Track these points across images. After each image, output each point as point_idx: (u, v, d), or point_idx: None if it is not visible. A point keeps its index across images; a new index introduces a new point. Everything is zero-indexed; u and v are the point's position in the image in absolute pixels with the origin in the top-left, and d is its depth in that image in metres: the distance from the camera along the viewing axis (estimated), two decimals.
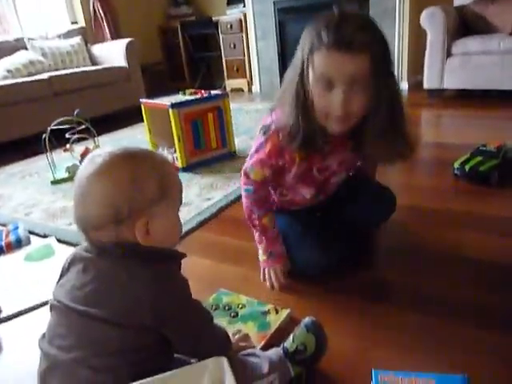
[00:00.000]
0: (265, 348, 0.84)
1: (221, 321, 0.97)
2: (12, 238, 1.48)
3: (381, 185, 1.24)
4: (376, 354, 0.86)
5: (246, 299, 1.05)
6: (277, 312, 0.99)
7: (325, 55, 0.83)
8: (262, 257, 1.15)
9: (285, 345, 0.80)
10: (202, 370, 0.58)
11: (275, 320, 0.97)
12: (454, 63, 2.94)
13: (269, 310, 1.00)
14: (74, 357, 0.61)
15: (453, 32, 2.94)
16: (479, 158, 1.63)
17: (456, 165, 1.66)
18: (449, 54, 2.96)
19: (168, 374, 0.57)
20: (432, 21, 2.90)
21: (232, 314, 1.00)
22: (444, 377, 0.69)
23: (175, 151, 2.12)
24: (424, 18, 2.95)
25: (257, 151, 1.04)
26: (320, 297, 1.06)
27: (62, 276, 0.71)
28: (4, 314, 1.11)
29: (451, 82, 3.00)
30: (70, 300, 0.65)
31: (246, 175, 1.08)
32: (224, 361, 0.58)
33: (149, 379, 0.56)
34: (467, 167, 1.61)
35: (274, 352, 0.79)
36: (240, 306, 1.03)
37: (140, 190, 0.64)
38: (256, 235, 1.16)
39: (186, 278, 0.69)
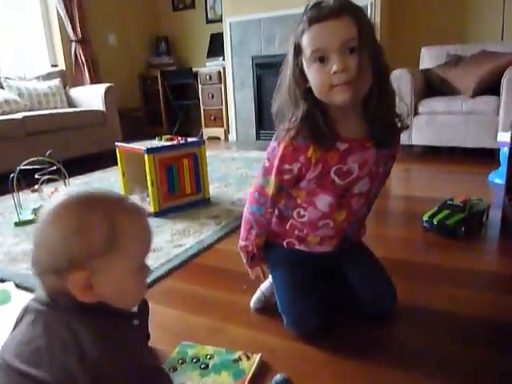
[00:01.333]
0: None
1: (191, 375, 0.92)
2: None
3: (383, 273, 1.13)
4: None
5: (212, 349, 1.01)
6: (248, 358, 0.96)
7: (310, 32, 0.86)
8: (245, 260, 1.17)
9: None
10: None
11: (249, 366, 0.93)
12: (420, 121, 3.11)
13: (239, 356, 0.97)
14: None
15: (419, 92, 3.13)
16: (447, 212, 1.68)
17: (425, 217, 1.70)
18: (416, 113, 3.12)
19: None
20: (400, 81, 3.07)
21: (202, 366, 0.94)
22: None
23: (147, 196, 2.09)
24: (392, 78, 3.12)
25: (268, 160, 1.00)
26: (290, 347, 1.03)
27: (15, 327, 0.66)
28: None
29: (418, 139, 3.15)
30: (14, 356, 0.59)
31: (259, 191, 1.05)
32: None
33: None
34: (435, 220, 1.65)
35: None
36: (208, 356, 0.98)
37: (82, 240, 0.58)
38: (244, 252, 1.15)
39: (138, 341, 0.65)
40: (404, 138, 3.17)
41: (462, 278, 1.32)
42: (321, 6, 0.84)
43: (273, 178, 1.00)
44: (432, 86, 3.26)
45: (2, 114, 3.19)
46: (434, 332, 1.06)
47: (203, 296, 1.31)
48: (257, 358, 0.96)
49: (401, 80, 3.06)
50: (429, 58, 3.45)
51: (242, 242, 1.15)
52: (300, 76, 0.91)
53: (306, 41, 0.87)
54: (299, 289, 1.07)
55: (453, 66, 3.20)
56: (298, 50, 0.90)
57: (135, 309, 0.73)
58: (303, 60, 0.90)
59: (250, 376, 0.90)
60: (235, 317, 1.17)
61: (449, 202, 1.76)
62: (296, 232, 1.09)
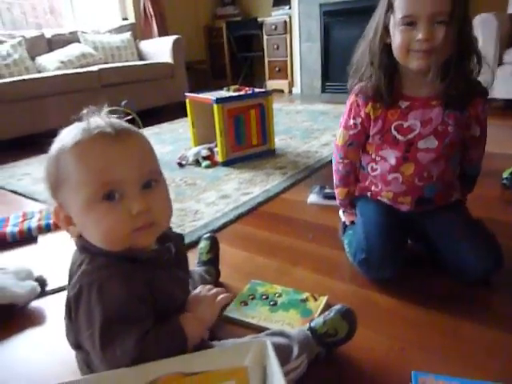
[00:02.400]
0: None
1: (260, 309, 0.99)
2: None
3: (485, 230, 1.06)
4: (413, 357, 0.84)
5: (280, 288, 1.06)
6: (315, 299, 1.00)
7: None
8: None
9: (312, 325, 0.81)
10: (245, 349, 0.58)
11: (315, 306, 0.98)
12: (505, 72, 2.83)
13: (307, 297, 1.02)
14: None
15: (505, 40, 2.84)
16: None
17: (505, 174, 1.60)
18: (500, 63, 2.85)
19: (212, 350, 0.59)
20: (484, 27, 2.80)
21: (271, 303, 1.01)
22: None
23: (216, 146, 2.15)
24: (476, 24, 2.85)
25: (343, 116, 1.12)
26: (356, 291, 1.06)
27: None
28: (50, 288, 1.16)
29: (501, 92, 2.89)
30: None
31: (334, 142, 1.18)
32: (268, 343, 0.58)
33: (194, 353, 0.58)
34: None
35: (301, 332, 0.80)
36: (277, 294, 1.04)
37: (47, 173, 0.63)
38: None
39: (119, 287, 0.59)
40: None
41: None
42: None
43: (341, 130, 1.13)
44: None
45: (80, 66, 3.37)
46: (503, 291, 1.03)
47: (271, 241, 1.36)
48: (324, 299, 1.00)
49: (485, 26, 2.79)
50: None
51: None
52: (384, 31, 0.95)
53: (398, 2, 0.90)
54: (385, 227, 1.06)
55: None
56: (389, 6, 0.93)
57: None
58: (391, 17, 0.93)
59: (316, 315, 0.94)
60: (303, 261, 1.22)
61: None
62: (373, 188, 1.14)
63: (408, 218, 1.12)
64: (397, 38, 0.92)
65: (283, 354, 0.73)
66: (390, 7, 0.93)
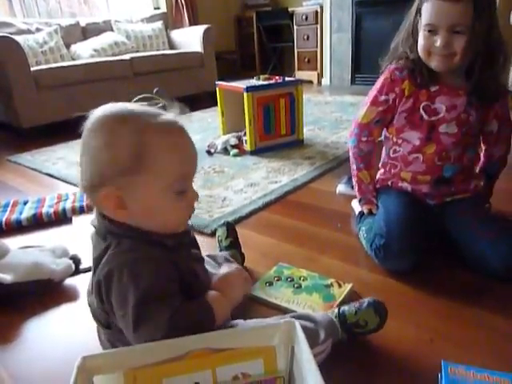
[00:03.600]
0: None
1: (285, 290, 1.00)
2: None
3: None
4: (443, 348, 0.83)
5: (306, 272, 1.07)
6: (340, 286, 1.00)
7: (431, 5, 0.96)
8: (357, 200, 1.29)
9: (344, 311, 0.81)
10: (274, 328, 0.59)
11: (339, 293, 0.98)
12: None
13: (331, 283, 1.02)
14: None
15: None
16: None
17: None
18: None
19: (240, 328, 0.60)
20: None
21: (296, 285, 1.02)
22: None
23: (245, 134, 2.16)
24: None
25: (370, 95, 1.15)
26: (382, 281, 1.06)
27: None
28: (84, 266, 1.20)
29: None
30: None
31: (354, 122, 1.20)
32: (296, 323, 0.59)
33: (224, 331, 0.59)
34: None
35: (326, 317, 0.80)
36: (302, 278, 1.05)
37: (110, 156, 0.59)
38: (354, 181, 1.27)
39: (159, 271, 0.62)
40: None
41: None
42: None
43: (367, 107, 1.15)
44: None
45: (113, 55, 3.43)
46: None
47: (299, 229, 1.36)
48: (348, 286, 1.00)
49: None
50: None
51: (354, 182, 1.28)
52: (415, 29, 1.04)
53: (424, 9, 0.98)
54: (406, 215, 1.07)
55: None
56: (418, 10, 1.01)
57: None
58: (419, 19, 1.01)
59: (338, 301, 0.95)
60: (330, 250, 1.22)
61: None
62: (392, 170, 1.19)
63: (429, 211, 1.13)
64: (420, 41, 1.01)
65: (310, 337, 0.72)
66: (418, 11, 1.01)
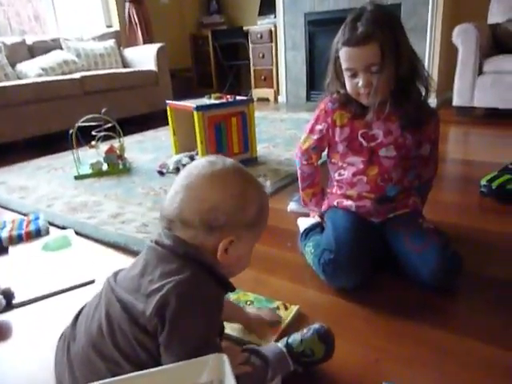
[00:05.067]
0: (276, 340, 0.83)
1: None
2: (32, 227, 1.51)
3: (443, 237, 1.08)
4: (388, 367, 0.82)
5: (253, 296, 1.05)
6: (286, 308, 0.98)
7: (344, 52, 1.04)
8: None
9: (289, 341, 0.79)
10: (201, 366, 0.56)
11: (286, 315, 0.96)
12: (485, 81, 2.88)
13: (278, 306, 1.00)
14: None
15: (485, 50, 2.88)
16: (507, 176, 1.58)
17: (483, 182, 1.61)
18: (480, 72, 2.89)
19: (167, 366, 0.56)
20: (464, 37, 2.85)
21: None
22: None
23: (197, 153, 2.13)
24: (456, 34, 2.90)
25: (309, 123, 1.23)
26: (330, 301, 1.05)
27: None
28: (17, 301, 1.12)
29: (481, 101, 2.93)
30: (117, 282, 0.68)
31: (298, 147, 1.28)
32: (225, 359, 0.56)
33: (146, 371, 0.55)
34: (494, 185, 1.56)
35: (277, 351, 0.77)
36: (248, 302, 1.02)
37: (242, 209, 0.65)
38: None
39: (218, 315, 0.67)
40: (465, 100, 2.97)
41: None
42: (355, 28, 1.00)
43: (306, 134, 1.24)
44: (500, 43, 2.99)
45: (62, 74, 3.33)
46: (486, 298, 1.02)
47: None
48: (295, 308, 0.98)
49: (465, 36, 2.83)
50: (498, 11, 3.13)
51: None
52: (339, 71, 1.10)
53: (341, 55, 1.06)
54: (353, 232, 1.09)
55: None
56: (337, 55, 1.08)
57: None
58: (339, 63, 1.08)
59: (284, 326, 0.92)
60: (279, 270, 1.20)
61: (510, 166, 1.64)
62: (339, 191, 1.22)
63: (373, 228, 1.16)
64: (347, 83, 1.09)
65: (258, 375, 0.72)
66: (337, 58, 1.08)
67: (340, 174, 1.21)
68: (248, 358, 0.73)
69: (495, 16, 3.14)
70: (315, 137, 1.21)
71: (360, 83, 1.04)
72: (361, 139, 1.14)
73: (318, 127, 1.19)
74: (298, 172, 1.31)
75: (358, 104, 1.11)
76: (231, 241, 0.65)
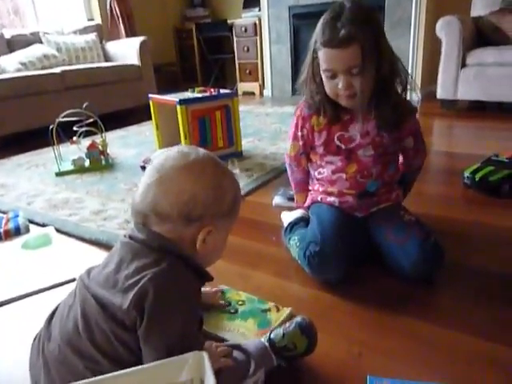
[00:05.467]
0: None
1: (218, 316, 0.95)
2: (11, 225, 1.47)
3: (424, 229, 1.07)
4: (371, 360, 0.82)
5: (245, 296, 1.03)
6: (278, 310, 0.96)
7: (324, 53, 1.00)
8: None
9: (272, 337, 0.78)
10: (181, 363, 0.55)
11: (276, 318, 0.94)
12: (468, 74, 2.90)
13: (269, 308, 0.97)
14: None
15: (468, 42, 2.90)
16: (490, 168, 1.59)
17: (466, 173, 1.62)
18: (464, 65, 2.91)
19: (146, 365, 0.54)
20: (448, 30, 2.86)
21: (232, 311, 0.97)
22: None
23: None
24: (440, 26, 2.91)
25: (290, 130, 1.22)
26: (315, 295, 1.04)
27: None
28: None
29: (465, 93, 2.95)
30: (92, 278, 0.67)
31: (286, 154, 1.28)
32: (205, 356, 0.55)
33: (125, 371, 0.54)
34: (477, 176, 1.57)
35: (259, 345, 0.76)
36: (240, 302, 1.00)
37: (219, 199, 0.66)
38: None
39: (197, 304, 0.67)
40: (448, 93, 2.99)
41: (502, 238, 1.26)
42: (335, 28, 0.95)
43: (291, 142, 1.23)
44: (483, 35, 3.01)
45: (42, 68, 3.26)
46: (470, 289, 1.03)
47: (233, 244, 1.30)
48: (287, 311, 0.95)
49: (448, 29, 2.84)
50: (481, 4, 3.15)
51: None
52: (316, 71, 1.06)
53: (320, 55, 1.01)
54: (338, 225, 1.09)
55: (508, 12, 2.92)
56: (315, 55, 1.03)
57: None
58: (318, 63, 1.04)
59: (274, 327, 0.89)
60: (263, 265, 1.19)
61: (493, 158, 1.66)
62: (321, 189, 1.22)
63: (356, 223, 1.16)
64: (325, 85, 1.05)
65: (240, 370, 0.71)
66: (315, 56, 1.03)
67: (320, 173, 1.21)
68: (230, 351, 0.73)
69: (478, 9, 3.16)
70: (300, 143, 1.20)
71: (340, 85, 1.01)
72: (337, 142, 1.13)
73: (300, 133, 1.18)
74: (291, 178, 1.32)
75: (333, 108, 1.09)
76: (209, 231, 0.65)
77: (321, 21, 1.01)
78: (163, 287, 0.60)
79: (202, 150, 0.69)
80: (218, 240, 0.69)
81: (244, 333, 0.90)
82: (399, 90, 1.07)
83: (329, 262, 1.03)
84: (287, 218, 1.31)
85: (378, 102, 1.06)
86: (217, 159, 0.70)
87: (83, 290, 0.66)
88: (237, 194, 0.70)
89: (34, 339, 0.71)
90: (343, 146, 1.13)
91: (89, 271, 0.70)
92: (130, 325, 0.59)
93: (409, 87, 1.09)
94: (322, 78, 1.06)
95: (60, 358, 0.62)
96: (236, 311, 0.97)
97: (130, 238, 0.66)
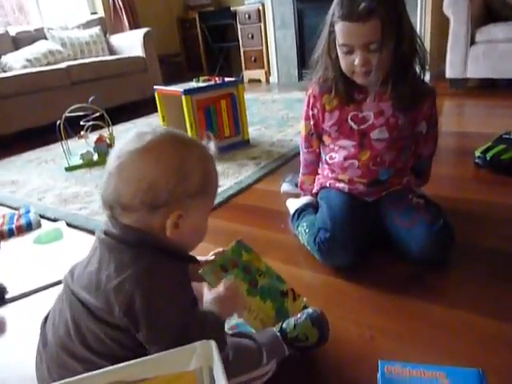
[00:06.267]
0: None
1: (240, 283, 0.84)
2: (23, 221, 1.49)
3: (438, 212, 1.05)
4: (383, 344, 0.82)
5: (265, 266, 0.90)
6: (294, 299, 0.90)
7: (341, 27, 0.97)
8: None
9: (284, 327, 0.78)
10: (189, 352, 0.55)
11: (292, 309, 0.88)
12: (477, 52, 2.83)
13: (287, 290, 0.87)
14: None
15: (477, 19, 2.82)
16: (502, 146, 1.56)
17: (477, 153, 1.59)
18: (472, 42, 2.84)
19: (155, 355, 0.55)
20: (455, 7, 2.78)
21: (252, 282, 0.85)
22: (456, 370, 0.64)
23: None
24: (447, 4, 2.84)
25: (303, 109, 1.20)
26: (325, 281, 1.04)
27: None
28: (10, 295, 1.11)
29: (474, 71, 2.88)
30: (75, 280, 0.64)
31: (300, 134, 1.26)
32: (213, 345, 0.54)
33: (136, 360, 0.54)
34: (488, 155, 1.54)
35: (271, 335, 0.76)
36: (260, 272, 0.88)
37: (184, 180, 0.60)
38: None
39: (189, 292, 0.65)
40: (458, 72, 2.92)
41: None
42: (355, 1, 0.91)
43: (303, 121, 1.21)
44: (492, 11, 2.92)
45: (47, 64, 3.27)
46: (482, 270, 1.01)
47: (242, 233, 1.33)
48: (302, 303, 0.87)
49: (456, 5, 2.77)
50: None
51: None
52: (332, 46, 1.03)
53: (338, 30, 0.98)
54: (348, 210, 1.08)
55: None
56: (332, 29, 1.00)
57: None
58: (335, 38, 1.01)
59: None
60: (272, 251, 1.19)
61: (504, 136, 1.62)
62: (330, 175, 1.20)
63: (367, 207, 1.15)
64: (341, 61, 1.02)
65: (252, 358, 0.71)
66: (332, 29, 1.00)
67: (331, 158, 1.18)
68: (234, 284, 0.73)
69: None
70: (311, 122, 1.18)
71: (357, 61, 0.97)
72: (351, 122, 1.10)
73: (311, 112, 1.16)
74: (301, 158, 1.31)
75: (347, 86, 1.06)
76: (179, 215, 0.60)
77: None
78: (148, 289, 0.57)
79: (161, 128, 0.63)
80: (194, 222, 0.63)
81: (263, 319, 0.85)
82: (417, 70, 1.03)
83: (339, 248, 1.02)
84: (294, 204, 1.30)
85: (395, 80, 1.02)
86: (178, 135, 0.63)
87: (69, 294, 0.64)
88: (206, 169, 0.63)
89: (38, 342, 0.70)
90: (356, 127, 1.10)
91: (72, 271, 0.67)
92: (124, 326, 0.58)
93: (427, 67, 1.05)
94: (337, 55, 1.02)
95: (59, 362, 0.62)
96: (256, 284, 0.85)
97: (106, 233, 0.62)
